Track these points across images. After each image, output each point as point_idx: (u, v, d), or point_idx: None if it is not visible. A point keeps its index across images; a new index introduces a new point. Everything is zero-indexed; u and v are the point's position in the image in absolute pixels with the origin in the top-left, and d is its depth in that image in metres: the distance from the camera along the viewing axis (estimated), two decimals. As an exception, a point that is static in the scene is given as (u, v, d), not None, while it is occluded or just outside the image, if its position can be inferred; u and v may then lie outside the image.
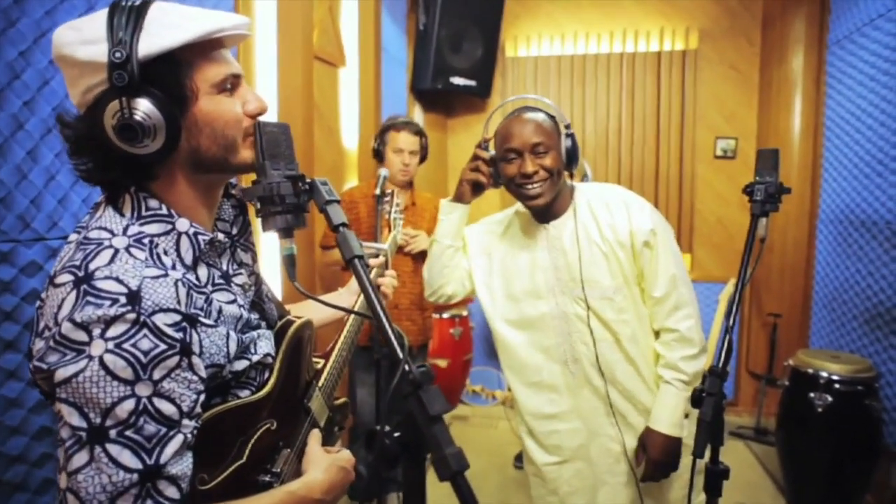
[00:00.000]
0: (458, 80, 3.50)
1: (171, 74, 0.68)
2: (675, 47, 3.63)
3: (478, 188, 1.44)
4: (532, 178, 1.34)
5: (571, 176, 1.43)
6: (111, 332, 0.61)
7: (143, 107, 0.66)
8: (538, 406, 1.49)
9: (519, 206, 1.53)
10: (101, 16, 0.67)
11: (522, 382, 1.51)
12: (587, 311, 1.38)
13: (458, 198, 1.45)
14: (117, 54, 0.64)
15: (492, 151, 1.41)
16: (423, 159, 2.39)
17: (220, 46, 0.74)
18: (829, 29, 2.99)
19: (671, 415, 1.35)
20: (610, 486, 1.45)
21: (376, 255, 1.33)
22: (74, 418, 0.61)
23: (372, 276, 1.26)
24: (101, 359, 0.61)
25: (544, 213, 1.43)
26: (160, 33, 0.66)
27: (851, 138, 2.75)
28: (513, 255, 1.48)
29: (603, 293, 1.38)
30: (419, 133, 2.35)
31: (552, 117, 1.40)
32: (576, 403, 1.45)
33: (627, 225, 1.38)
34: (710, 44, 3.59)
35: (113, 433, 0.61)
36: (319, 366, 1.00)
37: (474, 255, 1.54)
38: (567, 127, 1.39)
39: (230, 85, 0.74)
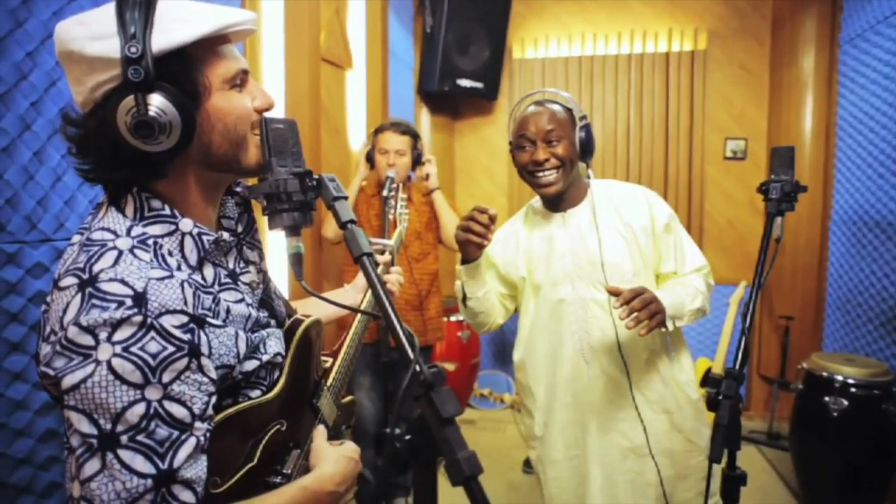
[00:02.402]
0: (464, 83, 3.49)
1: (183, 70, 0.67)
2: (684, 48, 3.60)
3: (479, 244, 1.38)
4: (543, 166, 1.37)
5: (588, 167, 1.45)
6: (118, 336, 0.60)
7: (158, 103, 0.65)
8: (552, 399, 1.48)
9: (533, 201, 1.55)
10: (107, 10, 0.66)
11: (540, 375, 1.50)
12: (607, 296, 1.37)
13: (466, 259, 1.40)
14: (132, 49, 0.63)
15: (490, 211, 1.32)
16: (416, 160, 2.32)
17: (226, 41, 0.73)
18: (842, 27, 2.96)
19: (672, 298, 1.30)
20: (618, 483, 1.44)
21: (382, 252, 1.32)
22: (84, 425, 0.60)
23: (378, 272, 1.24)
24: (108, 363, 0.59)
25: (558, 202, 1.46)
26: (173, 28, 0.65)
27: (865, 138, 2.70)
28: (532, 245, 1.50)
29: (623, 277, 1.39)
30: (407, 133, 2.29)
31: (569, 109, 1.43)
32: (588, 397, 1.44)
33: (648, 211, 1.42)
34: (719, 44, 3.55)
35: (124, 439, 0.60)
36: (328, 365, 0.99)
37: (507, 266, 1.53)
38: (582, 118, 1.41)
39: (240, 81, 0.73)
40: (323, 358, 0.98)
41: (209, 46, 0.70)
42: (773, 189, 1.22)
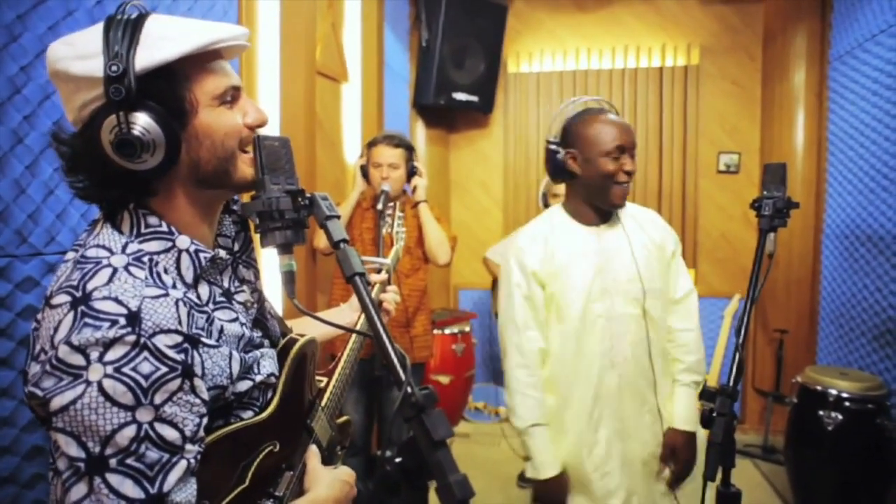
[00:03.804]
0: (460, 96, 3.51)
1: (169, 88, 0.67)
2: (677, 63, 3.65)
3: None
4: (629, 178, 1.40)
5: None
6: (110, 356, 0.59)
7: (142, 121, 0.64)
8: (585, 414, 1.46)
9: (554, 211, 1.52)
10: (95, 30, 0.66)
11: (569, 390, 1.48)
12: (642, 311, 1.42)
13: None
14: (113, 68, 0.62)
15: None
16: (410, 173, 2.31)
17: (218, 58, 0.73)
18: (831, 44, 3.00)
19: (693, 413, 1.44)
20: (639, 495, 1.47)
21: (378, 270, 1.31)
22: (72, 448, 0.59)
23: (374, 292, 1.23)
24: (99, 384, 0.58)
25: (595, 217, 1.47)
26: (157, 46, 0.65)
27: (855, 153, 2.74)
28: (567, 258, 1.45)
29: (654, 293, 1.44)
30: (401, 145, 2.26)
31: None
32: (616, 411, 1.46)
33: (662, 234, 1.50)
34: (712, 59, 3.60)
35: (113, 462, 0.59)
36: (322, 384, 0.98)
37: (549, 279, 1.47)
38: None
39: (230, 97, 0.73)
40: (318, 377, 0.97)
41: (198, 63, 0.69)
42: (765, 205, 1.23)
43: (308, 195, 0.71)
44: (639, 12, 3.70)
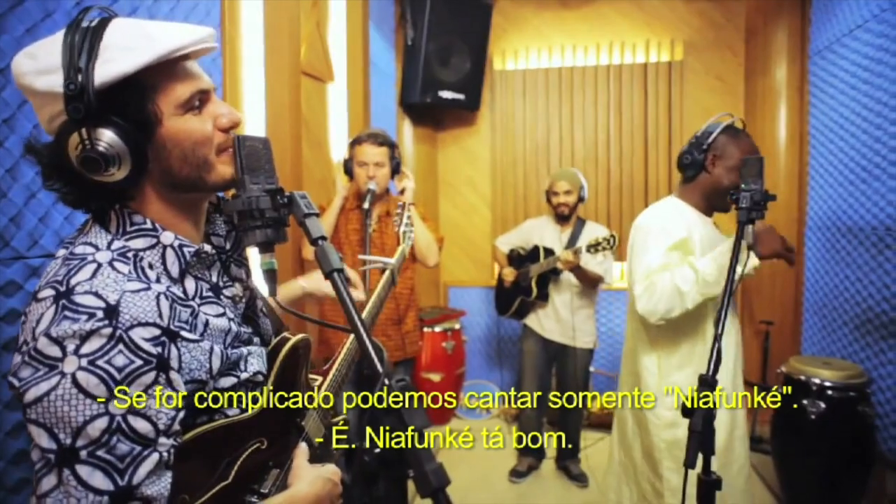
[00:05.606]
0: (446, 94, 3.52)
1: (131, 100, 0.67)
2: (661, 59, 3.68)
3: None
4: None
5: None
6: (86, 348, 0.60)
7: (106, 137, 0.65)
8: (705, 351, 1.85)
9: (671, 202, 1.82)
10: (56, 40, 0.66)
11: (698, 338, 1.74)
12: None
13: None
14: (71, 86, 0.63)
15: None
16: (395, 169, 2.31)
17: (185, 60, 0.72)
18: (811, 39, 3.05)
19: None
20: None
21: (382, 271, 1.31)
22: (44, 440, 0.60)
23: (378, 290, 1.25)
24: (73, 376, 0.60)
25: (707, 211, 1.80)
26: (116, 58, 0.65)
27: (836, 146, 2.78)
28: (697, 237, 1.76)
29: None
30: (385, 143, 2.26)
31: None
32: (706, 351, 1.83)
33: None
34: (695, 55, 3.64)
35: (84, 454, 0.59)
36: (317, 383, 0.98)
37: (693, 251, 1.72)
38: None
39: (198, 102, 0.72)
40: (313, 377, 0.98)
41: (161, 70, 0.69)
42: (743, 198, 1.25)
43: (287, 194, 0.71)
44: (622, 9, 3.73)
